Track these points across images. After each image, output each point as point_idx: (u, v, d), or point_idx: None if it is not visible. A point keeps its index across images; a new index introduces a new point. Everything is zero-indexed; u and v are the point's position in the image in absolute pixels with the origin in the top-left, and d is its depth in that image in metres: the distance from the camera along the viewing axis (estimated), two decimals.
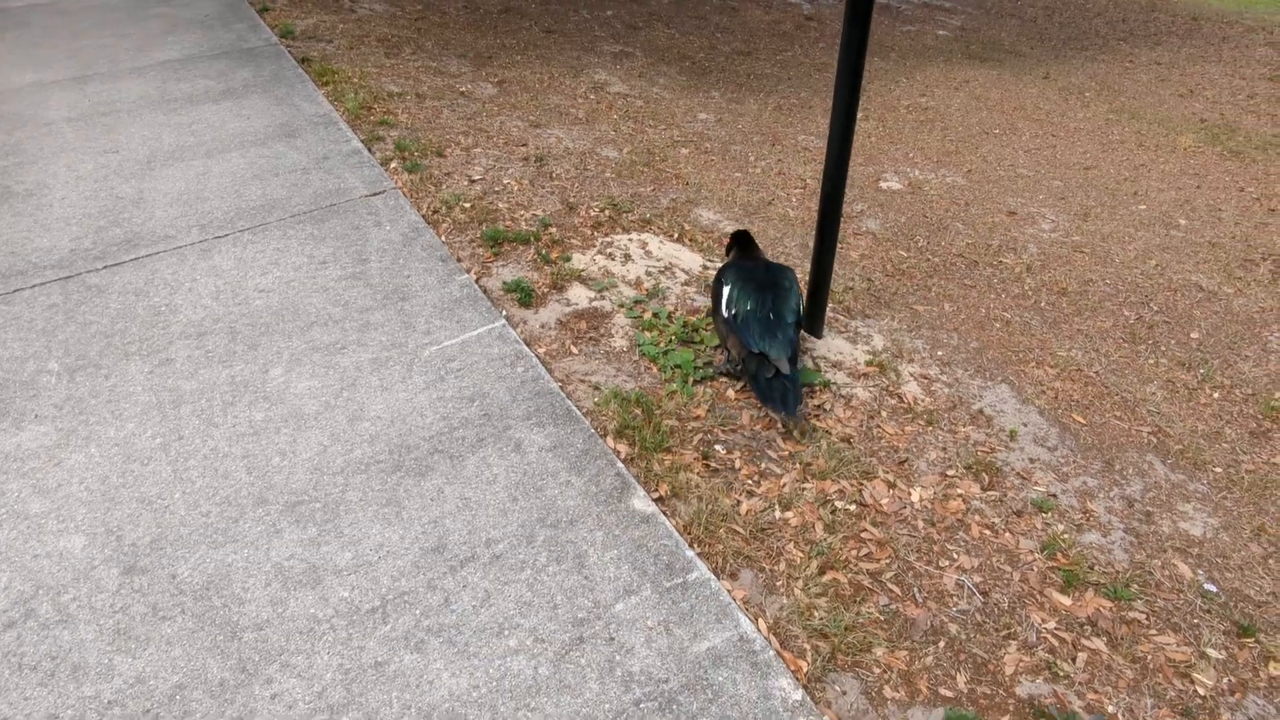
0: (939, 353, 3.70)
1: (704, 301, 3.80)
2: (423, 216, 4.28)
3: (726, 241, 3.57)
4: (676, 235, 4.41)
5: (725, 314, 3.01)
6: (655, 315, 3.60)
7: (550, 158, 5.20)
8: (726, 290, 3.06)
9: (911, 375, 3.47)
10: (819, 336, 3.59)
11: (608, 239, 4.27)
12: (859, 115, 6.99)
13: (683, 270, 4.07)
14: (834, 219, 3.30)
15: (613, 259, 4.08)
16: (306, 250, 3.95)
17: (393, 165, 4.80)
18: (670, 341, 3.43)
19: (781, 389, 2.83)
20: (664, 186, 5.07)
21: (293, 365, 3.17)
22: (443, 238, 4.12)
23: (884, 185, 5.64)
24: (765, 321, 2.94)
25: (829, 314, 3.86)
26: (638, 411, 3.01)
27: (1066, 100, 8.19)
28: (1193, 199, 5.88)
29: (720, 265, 3.47)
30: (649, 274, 3.98)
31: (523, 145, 5.35)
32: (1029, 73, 8.87)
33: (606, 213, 4.55)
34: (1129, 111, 8.01)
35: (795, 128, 6.52)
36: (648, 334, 3.48)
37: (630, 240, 4.29)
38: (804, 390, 3.22)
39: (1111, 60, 9.85)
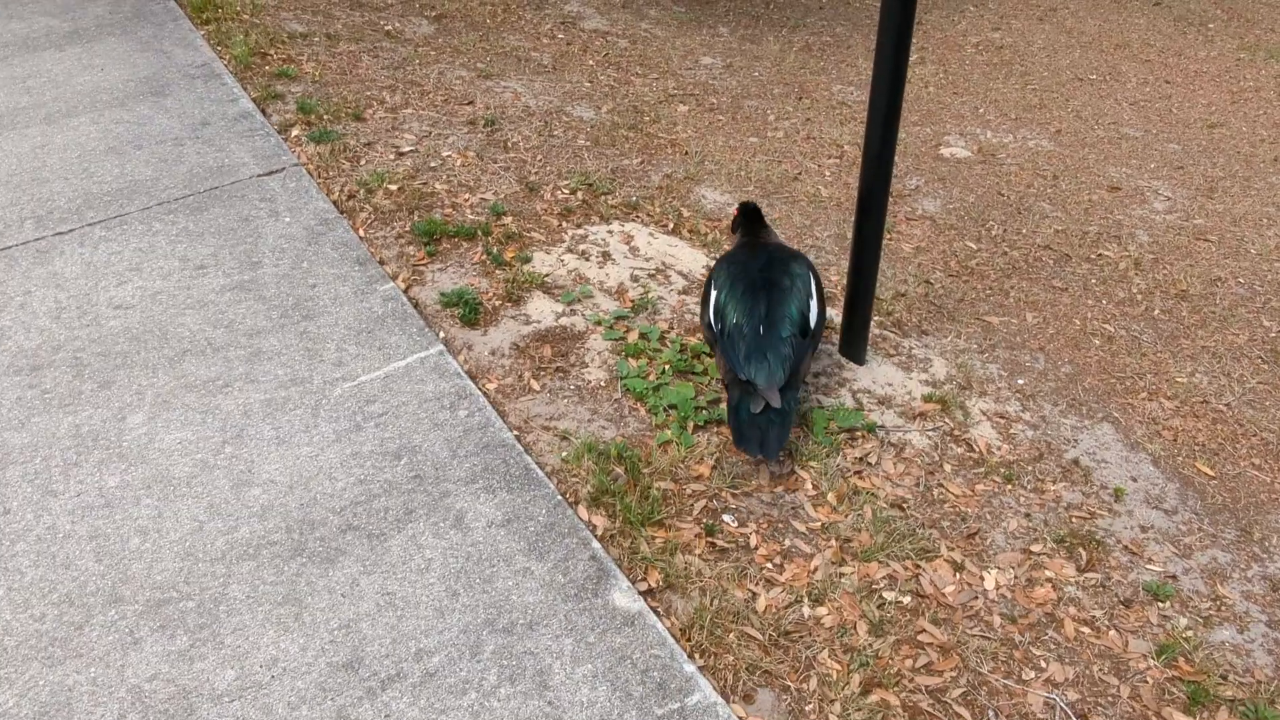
0: (1019, 381, 3.68)
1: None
2: (334, 203, 4.24)
3: (731, 217, 3.56)
4: (671, 225, 4.39)
5: (713, 325, 3.04)
6: (644, 336, 3.57)
7: (505, 120, 5.18)
8: (715, 294, 3.08)
9: (984, 414, 3.45)
10: (860, 362, 3.57)
11: (580, 231, 4.24)
12: (913, 57, 7.01)
13: (679, 273, 4.05)
14: (879, 200, 3.28)
15: (587, 259, 4.06)
16: (179, 251, 3.91)
17: (294, 133, 4.77)
18: (663, 373, 3.40)
19: (763, 425, 2.84)
20: (655, 158, 5.06)
21: (158, 410, 3.13)
22: (360, 232, 4.09)
23: (946, 152, 5.63)
24: (755, 337, 2.95)
25: (874, 329, 3.84)
26: (619, 471, 2.98)
27: (1185, 34, 8.23)
28: None
29: (720, 255, 3.52)
30: (635, 279, 3.96)
31: (468, 104, 5.33)
32: None
33: (579, 195, 4.53)
34: (1266, 49, 8.05)
35: (829, 75, 6.51)
36: (633, 362, 3.45)
37: (610, 233, 4.26)
38: (841, 433, 3.19)
39: None
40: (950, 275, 4.39)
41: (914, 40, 7.32)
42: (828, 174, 5.19)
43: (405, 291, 3.75)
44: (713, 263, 4.10)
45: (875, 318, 3.90)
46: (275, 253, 3.91)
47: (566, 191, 4.54)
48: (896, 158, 5.35)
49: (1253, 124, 6.57)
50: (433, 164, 4.64)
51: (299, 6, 6.35)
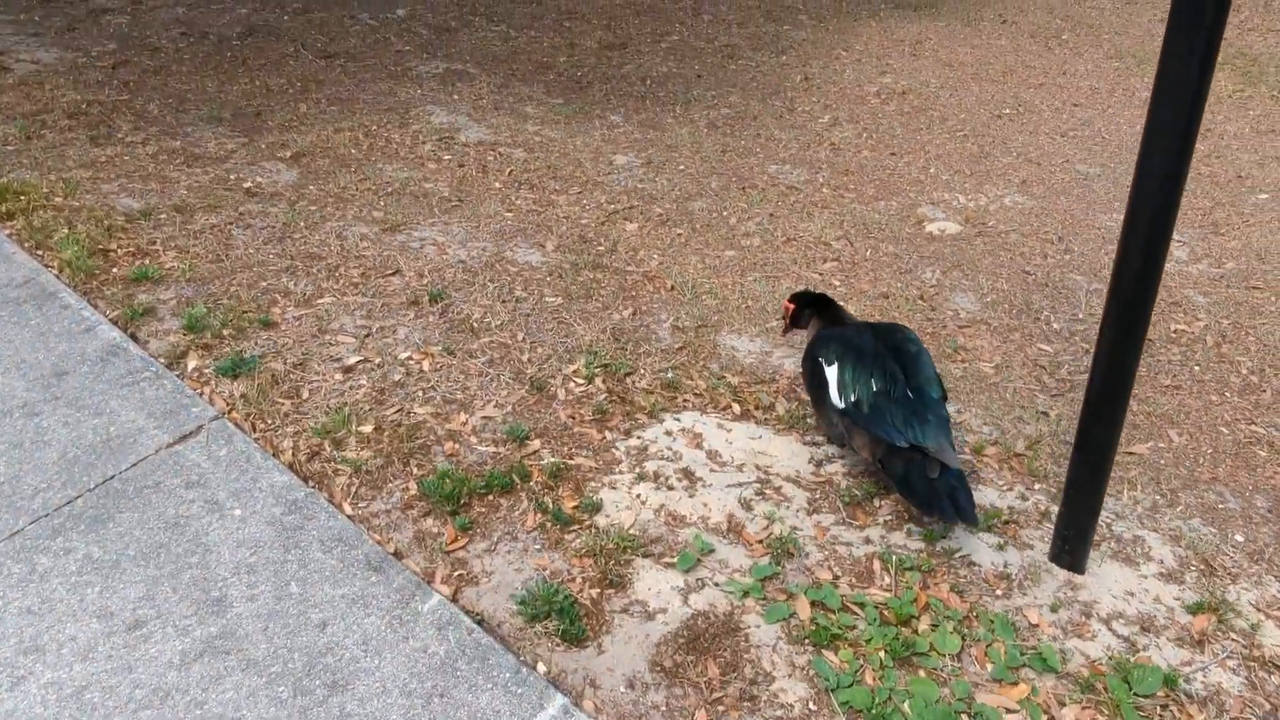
0: (1238, 538, 2.88)
1: (863, 547, 2.75)
2: (294, 470, 2.95)
3: (788, 310, 3.25)
4: (731, 407, 3.35)
5: (839, 404, 2.80)
6: (818, 605, 2.50)
7: (449, 289, 3.99)
8: (834, 371, 2.85)
9: (1256, 607, 2.60)
10: (1081, 570, 2.65)
11: (634, 441, 3.14)
12: (823, 117, 6.23)
13: (789, 479, 3.01)
14: (1130, 357, 2.36)
15: (668, 485, 2.96)
16: (92, 600, 2.54)
17: (192, 366, 3.41)
18: (881, 664, 2.35)
19: (946, 489, 2.59)
20: (643, 302, 4.00)
21: None
22: (349, 509, 2.83)
23: (932, 229, 4.85)
24: (905, 402, 2.73)
25: (1034, 496, 2.94)
26: None
27: (1050, 50, 7.88)
28: None
29: (807, 342, 3.13)
30: (745, 505, 2.89)
31: (392, 273, 4.09)
32: (978, 17, 8.55)
33: (601, 384, 3.42)
34: (1130, 55, 7.81)
35: (756, 155, 5.63)
36: (832, 657, 2.38)
37: (670, 435, 3.17)
38: (1147, 700, 2.26)
39: None
40: (1054, 394, 3.56)
41: (814, 96, 6.57)
42: (836, 282, 4.29)
43: (456, 600, 2.54)
44: (818, 452, 3.09)
45: (1021, 478, 3.01)
46: (241, 574, 2.60)
47: (583, 381, 3.42)
48: (888, 243, 4.51)
49: None
50: (395, 375, 3.40)
51: (122, 172, 4.88)
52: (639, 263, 4.35)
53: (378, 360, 3.47)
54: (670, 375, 3.48)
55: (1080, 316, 4.11)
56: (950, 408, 3.42)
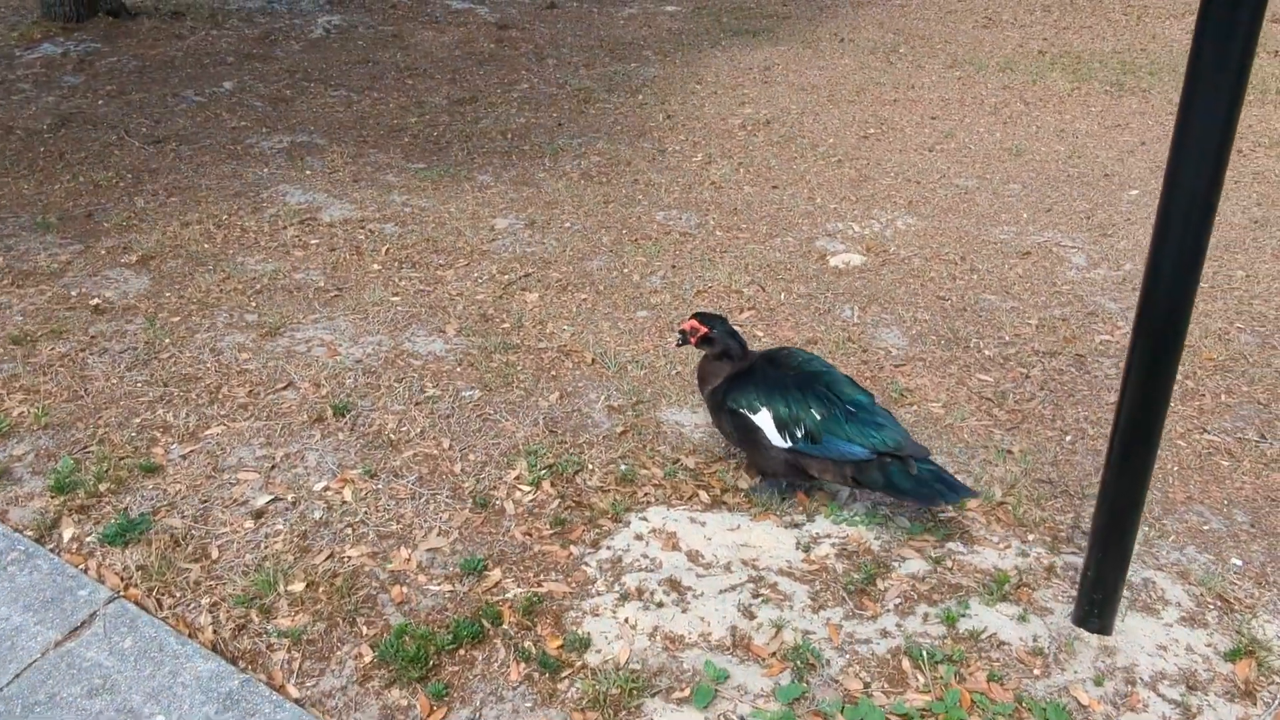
0: (1236, 563, 2.77)
1: (883, 641, 2.49)
2: (220, 652, 2.47)
3: (697, 333, 2.98)
4: (697, 495, 3.05)
5: (787, 444, 2.78)
6: None
7: (353, 396, 3.54)
8: (765, 416, 2.80)
9: None
10: (1108, 631, 2.46)
11: (606, 554, 2.79)
12: (695, 155, 6.04)
13: (782, 573, 2.72)
14: (1163, 390, 2.19)
15: (654, 601, 2.62)
16: None
17: (69, 536, 2.86)
18: None
19: (934, 475, 2.68)
20: (570, 383, 3.67)
21: None
22: (294, 692, 2.37)
23: (836, 262, 4.70)
24: (851, 417, 2.75)
25: (1027, 547, 2.75)
26: None
27: (891, 64, 7.96)
28: None
29: (711, 391, 2.98)
30: (745, 612, 2.59)
31: (283, 387, 3.61)
32: (816, 38, 8.57)
33: (550, 489, 3.06)
34: (965, 62, 7.97)
35: (639, 202, 5.37)
36: None
37: (643, 540, 2.84)
38: None
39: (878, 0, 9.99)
40: (1009, 429, 3.41)
41: (680, 134, 6.37)
42: (759, 332, 4.06)
43: None
44: (803, 535, 2.82)
45: (1012, 530, 2.84)
46: None
47: (529, 488, 3.04)
48: (798, 283, 4.31)
49: (1039, 141, 6.28)
50: (315, 513, 2.95)
51: None
52: (550, 337, 4.00)
53: (290, 497, 3.00)
54: (623, 467, 3.14)
55: (1007, 339, 4.01)
56: None
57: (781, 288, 4.42)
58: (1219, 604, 2.62)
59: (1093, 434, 3.40)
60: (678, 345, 3.12)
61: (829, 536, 2.86)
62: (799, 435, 2.77)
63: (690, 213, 5.27)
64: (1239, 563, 2.78)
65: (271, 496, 3.00)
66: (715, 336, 2.97)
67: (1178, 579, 2.71)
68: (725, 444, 3.28)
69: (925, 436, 3.34)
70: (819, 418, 2.76)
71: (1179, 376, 3.52)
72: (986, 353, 3.91)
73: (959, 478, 3.09)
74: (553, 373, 3.75)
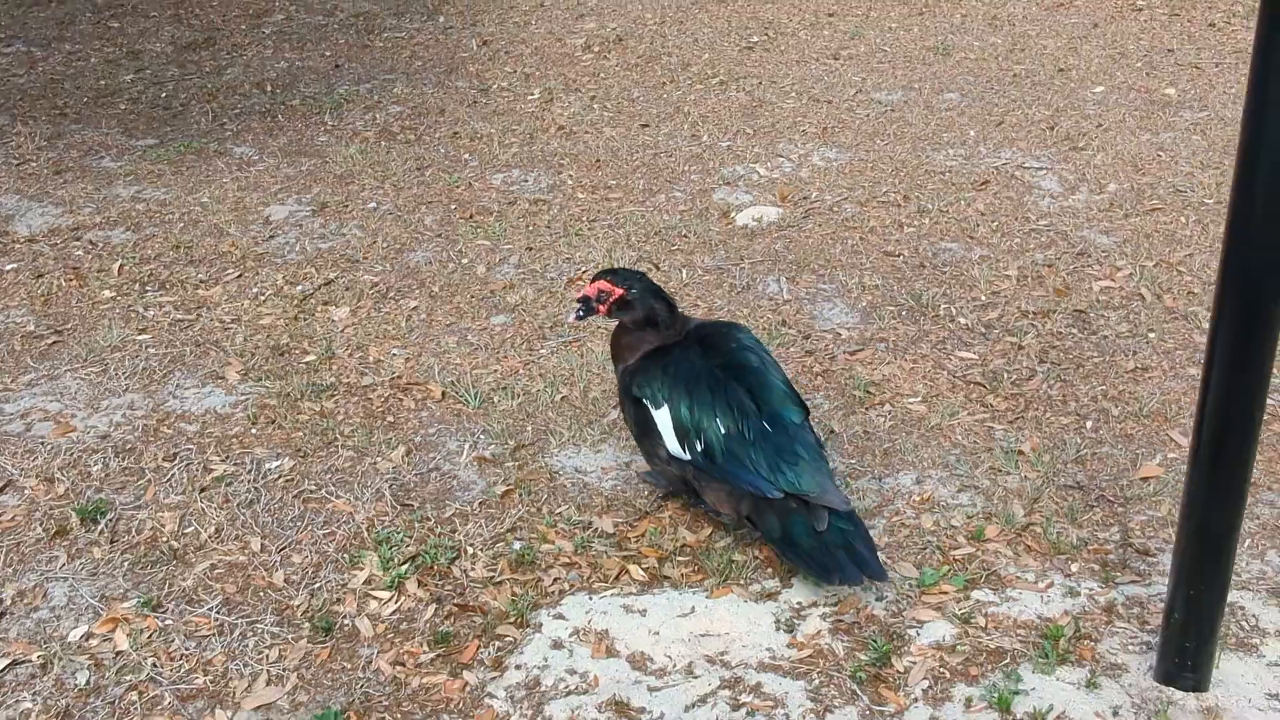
0: None
1: None
2: None
3: (612, 296, 2.90)
4: (627, 571, 2.86)
5: (684, 455, 2.78)
6: None
7: (105, 489, 3.20)
8: (664, 415, 2.79)
9: None
10: (1205, 688, 2.40)
11: (514, 675, 2.56)
12: (522, 88, 5.81)
13: (761, 665, 2.56)
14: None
15: None
16: None
17: None
18: None
19: (842, 540, 2.61)
20: (415, 431, 3.44)
21: None
22: None
23: (743, 220, 4.58)
24: (764, 438, 2.70)
25: (1082, 578, 2.69)
26: None
27: None
28: (1119, 50, 5.78)
29: (624, 369, 2.96)
30: None
31: None
32: None
33: (418, 592, 2.81)
34: None
35: (466, 163, 5.12)
36: None
37: (563, 650, 2.63)
38: None
39: None
40: (1012, 420, 3.36)
41: (506, 65, 6.13)
42: None
43: None
44: (766, 599, 2.66)
45: (1047, 561, 2.78)
46: None
47: (386, 594, 2.78)
48: (700, 252, 4.15)
49: (968, 35, 6.32)
50: (80, 677, 2.59)
51: None
52: (376, 367, 3.72)
53: (37, 657, 2.63)
54: (517, 545, 2.91)
55: (984, 300, 3.96)
56: (907, 477, 3.12)
57: (681, 262, 4.26)
58: None
59: (1118, 414, 3.38)
60: (578, 319, 3.00)
61: (815, 606, 2.71)
62: (698, 449, 2.75)
63: (538, 170, 5.05)
64: None
65: (7, 661, 2.62)
66: (633, 299, 2.89)
67: (1269, 598, 2.68)
68: (649, 487, 3.10)
69: (912, 449, 3.24)
70: (723, 432, 2.72)
71: (1205, 325, 3.54)
72: (962, 321, 3.85)
73: (970, 504, 2.99)
74: (389, 419, 3.48)
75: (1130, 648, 2.56)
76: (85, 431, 3.43)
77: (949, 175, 4.82)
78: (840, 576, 2.59)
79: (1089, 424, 3.36)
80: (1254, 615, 2.64)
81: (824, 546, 2.61)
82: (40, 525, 3.04)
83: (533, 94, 5.84)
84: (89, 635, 2.70)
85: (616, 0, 7.04)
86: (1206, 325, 3.61)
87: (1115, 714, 2.38)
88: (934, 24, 6.51)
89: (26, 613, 2.77)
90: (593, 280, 2.93)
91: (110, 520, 3.06)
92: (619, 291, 2.89)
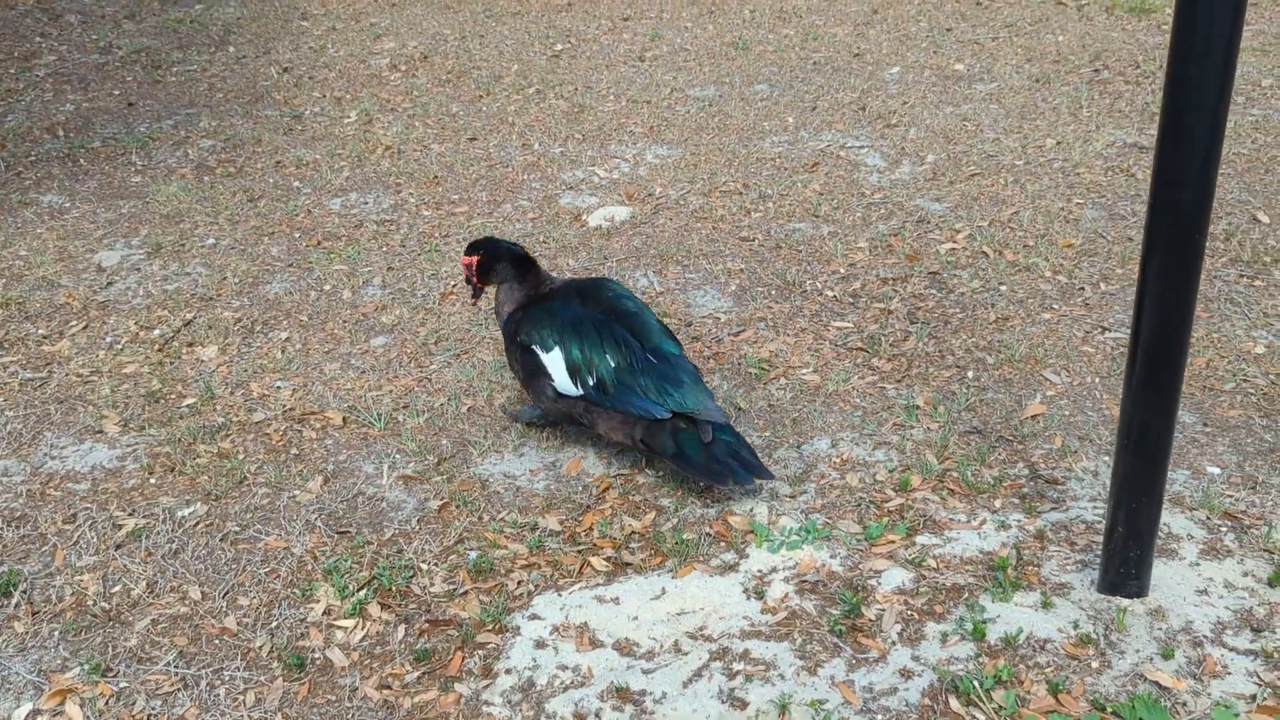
0: (1244, 465, 3.06)
1: (913, 684, 2.47)
2: None
3: (470, 268, 3.29)
4: (589, 565, 2.88)
5: (576, 390, 3.06)
6: None
7: (5, 561, 3.00)
8: (555, 356, 3.07)
9: None
10: (1145, 593, 2.62)
11: (506, 680, 2.55)
12: (336, 112, 5.70)
13: (744, 633, 2.62)
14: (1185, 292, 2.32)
15: None
16: None
17: None
18: None
19: (729, 450, 2.92)
20: (325, 460, 3.36)
21: None
22: None
23: (595, 220, 4.65)
24: (650, 369, 3.00)
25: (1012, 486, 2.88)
26: None
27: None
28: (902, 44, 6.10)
29: (506, 319, 3.28)
30: (732, 702, 2.46)
31: None
32: None
33: (382, 614, 2.76)
34: None
35: (299, 191, 5.00)
36: None
37: (547, 648, 2.63)
38: None
39: None
40: (899, 379, 3.55)
41: (314, 90, 5.99)
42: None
43: None
44: (730, 570, 2.74)
45: (969, 500, 2.97)
46: None
47: (350, 621, 2.71)
48: (564, 255, 4.21)
49: (761, 29, 6.55)
50: None
51: None
52: (264, 402, 3.61)
53: None
54: (472, 555, 2.89)
55: (844, 272, 4.15)
56: (821, 442, 3.25)
57: (547, 266, 4.29)
58: (1229, 524, 2.85)
59: (992, 362, 3.59)
60: (474, 300, 3.41)
61: (776, 571, 2.79)
62: (590, 384, 3.01)
63: (376, 192, 4.97)
64: (1216, 470, 3.05)
65: None
66: (487, 259, 3.23)
67: (1172, 507, 2.92)
68: (582, 482, 3.13)
69: (819, 416, 3.37)
70: (614, 365, 2.99)
71: (1049, 272, 3.83)
72: (830, 294, 4.02)
73: (886, 459, 3.14)
74: (293, 451, 3.38)
75: (1068, 567, 2.75)
76: None
77: (779, 161, 5.00)
78: (734, 480, 2.89)
79: (970, 374, 3.56)
80: (1165, 524, 2.87)
81: (714, 457, 2.90)
82: None
83: (349, 117, 5.73)
84: (36, 713, 2.53)
85: (408, 19, 6.97)
86: (1048, 274, 3.91)
87: (1075, 626, 2.56)
88: (726, 21, 6.73)
89: None
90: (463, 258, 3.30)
91: (24, 591, 2.87)
92: (474, 259, 3.25)
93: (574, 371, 3.03)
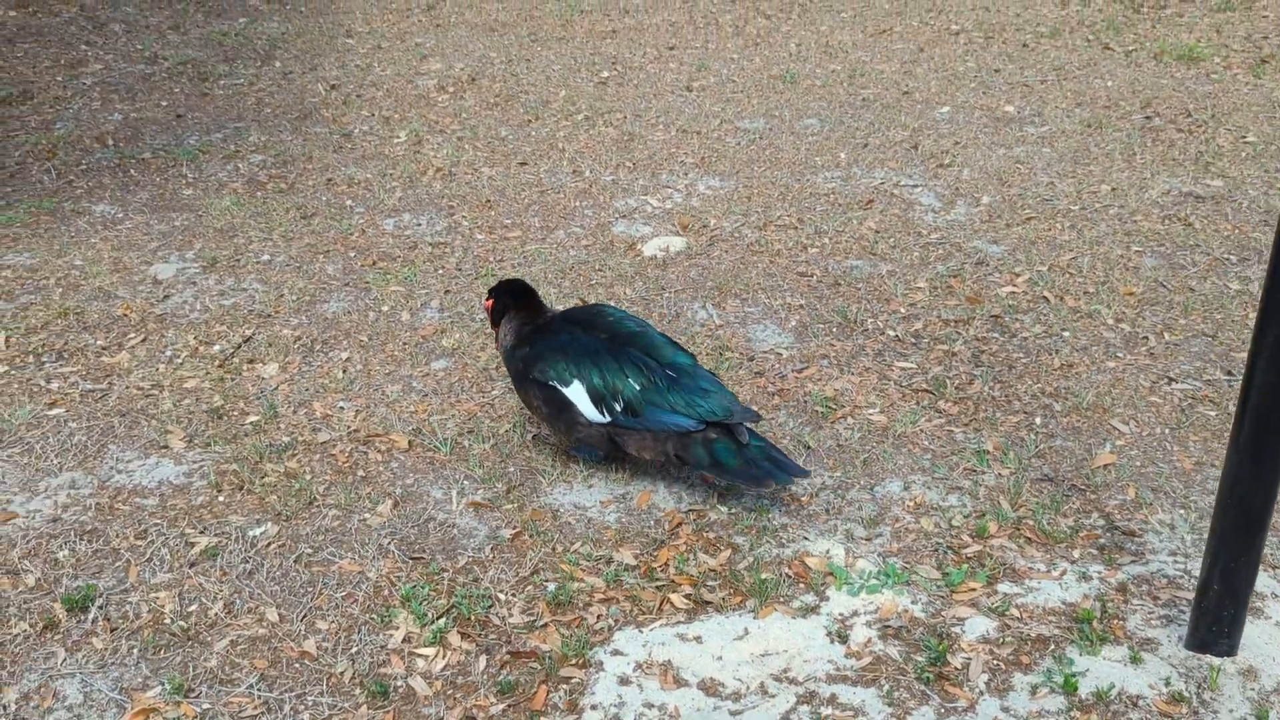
0: None
1: None
2: None
3: (489, 310, 3.44)
4: (669, 601, 2.86)
5: (604, 418, 3.12)
6: None
7: (81, 577, 2.99)
8: (577, 388, 3.13)
9: None
10: (1235, 652, 2.61)
11: (592, 716, 2.53)
12: (386, 132, 5.71)
13: (828, 677, 2.61)
14: None
15: None
16: None
17: None
18: None
19: (762, 452, 3.02)
20: (393, 484, 3.35)
21: None
22: None
23: (649, 250, 4.65)
24: (674, 384, 3.08)
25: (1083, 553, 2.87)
26: None
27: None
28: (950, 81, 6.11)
29: (508, 354, 3.34)
30: None
31: None
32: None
33: (462, 644, 2.75)
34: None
35: (351, 210, 4.99)
36: None
37: (632, 685, 2.62)
38: None
39: None
40: (966, 423, 3.54)
41: (362, 109, 6.00)
42: None
43: None
44: (810, 613, 2.73)
45: (1049, 550, 2.95)
46: None
47: (430, 650, 2.70)
48: (620, 284, 4.20)
49: (808, 63, 6.57)
50: None
51: None
52: (328, 422, 3.60)
53: None
54: (551, 587, 2.87)
55: (905, 312, 4.14)
56: (894, 485, 3.25)
57: (603, 295, 4.29)
58: None
59: (1060, 409, 3.59)
60: (498, 343, 3.43)
61: (857, 614, 2.78)
62: (618, 409, 3.08)
63: (429, 213, 4.98)
64: None
65: None
66: (495, 300, 3.38)
67: (1263, 567, 2.90)
68: (654, 516, 3.11)
69: (889, 457, 3.36)
70: (638, 387, 3.06)
71: (1111, 320, 3.82)
72: (891, 333, 4.01)
73: (959, 505, 3.13)
74: (360, 473, 3.37)
75: (1153, 622, 2.73)
76: (30, 517, 3.18)
77: (833, 197, 5.01)
78: (774, 481, 3.01)
79: (1037, 420, 3.56)
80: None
81: (750, 461, 2.99)
82: (24, 620, 2.80)
83: (398, 137, 5.74)
84: None
85: (454, 40, 6.99)
86: (1110, 321, 3.90)
87: (1167, 684, 2.55)
88: (772, 54, 6.75)
89: (40, 716, 2.55)
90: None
91: (101, 607, 2.85)
92: (489, 303, 3.41)
93: (598, 399, 3.09)
